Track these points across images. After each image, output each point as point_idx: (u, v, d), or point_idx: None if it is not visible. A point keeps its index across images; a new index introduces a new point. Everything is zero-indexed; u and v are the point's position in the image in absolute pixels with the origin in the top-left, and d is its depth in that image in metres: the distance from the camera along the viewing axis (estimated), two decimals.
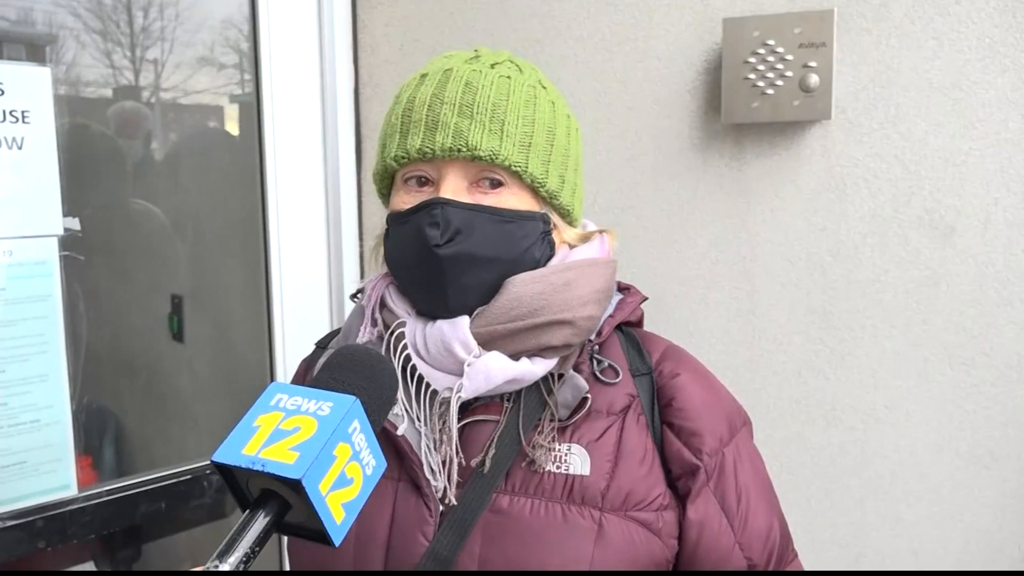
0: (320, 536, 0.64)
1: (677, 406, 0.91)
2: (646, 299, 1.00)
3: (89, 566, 1.67)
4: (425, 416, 0.89)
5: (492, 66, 0.93)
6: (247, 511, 0.62)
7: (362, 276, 1.71)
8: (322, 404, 0.65)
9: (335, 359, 0.75)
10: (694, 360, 0.98)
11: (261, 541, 0.61)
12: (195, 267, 1.81)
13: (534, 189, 0.91)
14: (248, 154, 1.64)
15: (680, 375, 0.93)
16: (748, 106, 1.31)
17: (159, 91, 1.69)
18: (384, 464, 0.69)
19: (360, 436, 0.66)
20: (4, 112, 1.24)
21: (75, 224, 1.36)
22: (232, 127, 1.79)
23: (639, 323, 1.02)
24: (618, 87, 1.46)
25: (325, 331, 1.70)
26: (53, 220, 1.30)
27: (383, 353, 0.91)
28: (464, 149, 0.86)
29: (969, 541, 1.30)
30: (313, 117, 1.63)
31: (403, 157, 0.90)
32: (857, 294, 1.33)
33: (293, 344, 1.65)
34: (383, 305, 0.96)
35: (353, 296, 1.05)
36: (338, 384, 0.71)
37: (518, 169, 0.88)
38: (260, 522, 0.61)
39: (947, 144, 1.26)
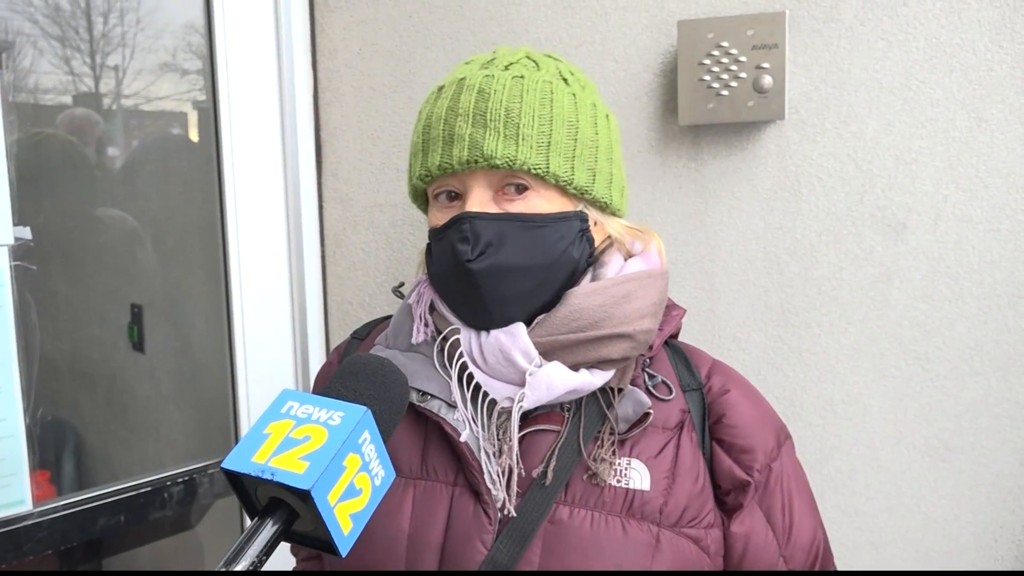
0: (327, 546, 0.64)
1: (728, 423, 0.92)
2: (685, 311, 1.01)
3: None
4: (483, 424, 0.88)
5: (506, 67, 0.92)
6: (255, 519, 0.62)
7: (324, 284, 1.70)
8: (333, 413, 0.65)
9: (347, 368, 0.75)
10: (740, 375, 0.99)
11: (268, 549, 0.61)
12: (155, 276, 1.78)
13: (562, 188, 0.90)
14: (207, 160, 1.62)
15: (730, 391, 0.94)
16: (704, 107, 1.33)
17: (120, 97, 1.67)
18: (392, 475, 0.69)
19: (370, 447, 0.66)
20: None
21: (26, 233, 1.33)
22: (192, 133, 1.77)
23: (677, 333, 1.02)
24: None
25: (286, 338, 1.70)
26: (3, 230, 1.27)
27: (436, 359, 0.92)
28: (481, 159, 0.86)
29: (927, 532, 1.33)
30: (272, 122, 1.62)
31: (426, 175, 0.91)
32: (814, 291, 1.35)
33: (254, 351, 1.63)
34: (432, 308, 0.96)
35: (395, 290, 1.05)
36: (349, 393, 0.71)
37: (539, 171, 0.87)
38: (268, 530, 0.61)
39: (898, 143, 1.29)
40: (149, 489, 1.49)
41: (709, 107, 1.33)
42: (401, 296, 1.05)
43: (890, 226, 1.30)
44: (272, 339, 1.66)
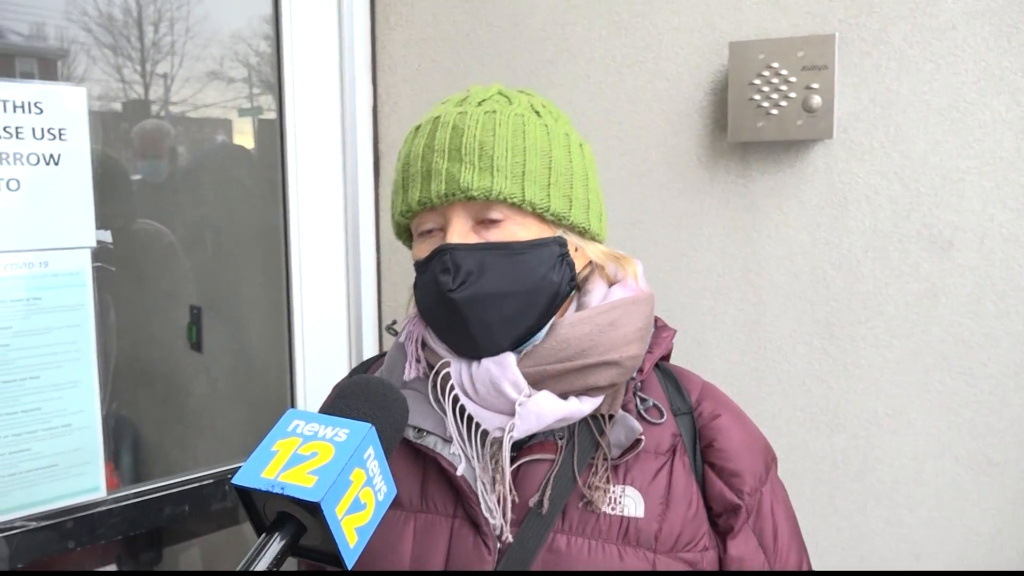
0: (334, 559, 0.65)
1: (719, 447, 0.94)
2: (675, 332, 1.02)
3: (113, 567, 1.72)
4: (477, 455, 0.90)
5: (479, 103, 0.94)
6: (263, 535, 0.64)
7: (379, 289, 1.76)
8: (339, 430, 0.67)
9: (349, 388, 0.78)
10: (729, 399, 1.01)
11: (277, 563, 0.62)
12: (214, 278, 1.86)
13: (539, 215, 0.91)
14: (270, 169, 1.70)
15: (721, 416, 0.96)
16: (753, 125, 1.37)
17: (170, 104, 1.72)
18: (394, 491, 0.71)
19: (374, 462, 0.68)
20: (43, 130, 1.30)
21: (107, 236, 1.42)
22: (247, 140, 1.84)
23: (668, 355, 1.04)
24: (628, 106, 1.51)
25: (342, 340, 1.76)
26: (86, 232, 1.35)
27: (430, 394, 0.94)
28: (458, 192, 0.88)
29: (969, 544, 1.35)
30: (333, 134, 1.69)
31: (407, 211, 0.93)
32: (859, 306, 1.38)
33: (312, 353, 1.70)
34: (424, 344, 0.98)
35: (388, 328, 1.08)
36: (352, 412, 0.73)
37: (515, 200, 0.89)
38: (276, 545, 0.63)
39: (945, 162, 1.32)
40: (212, 481, 1.56)
41: (758, 125, 1.37)
42: (395, 334, 1.06)
43: (936, 243, 1.33)
44: (329, 342, 1.73)
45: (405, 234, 1.01)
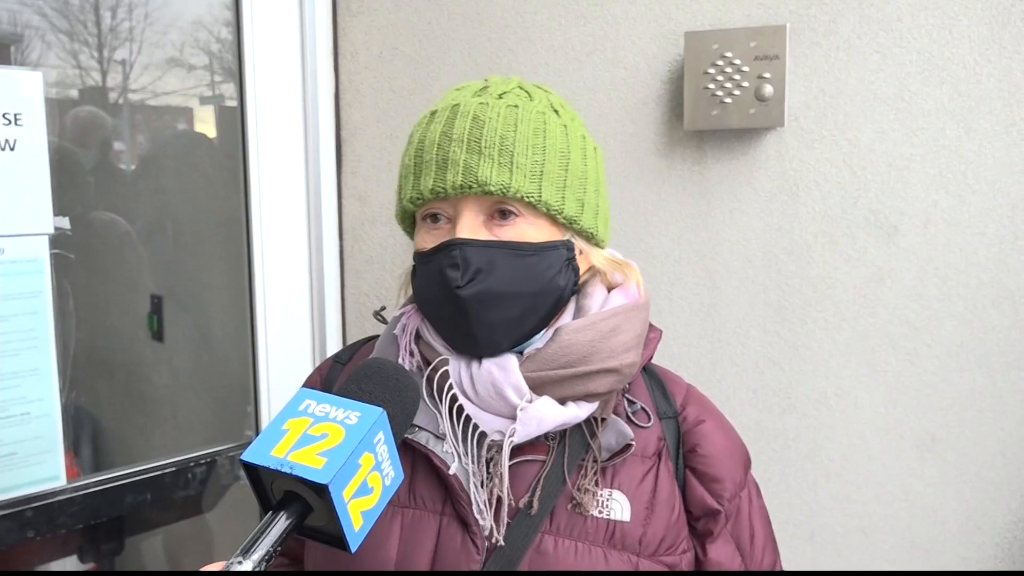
0: (338, 541, 0.65)
1: (702, 452, 0.95)
2: (662, 333, 1.03)
3: (73, 559, 1.71)
4: (472, 455, 0.89)
5: (500, 96, 0.92)
6: (269, 512, 0.64)
7: (342, 277, 1.77)
8: (350, 413, 0.67)
9: (363, 370, 0.77)
10: (712, 404, 1.03)
11: (282, 541, 0.63)
12: (174, 267, 1.84)
13: (552, 216, 0.90)
14: (231, 156, 1.69)
15: (705, 422, 0.97)
16: (708, 114, 1.40)
17: (129, 92, 1.69)
18: (401, 476, 0.71)
19: (383, 447, 0.68)
20: None
21: (65, 223, 1.40)
22: (209, 128, 1.83)
23: (652, 355, 1.04)
24: (588, 95, 1.54)
25: (305, 329, 1.77)
26: (44, 219, 1.34)
27: (425, 390, 0.91)
28: (475, 185, 0.86)
29: (914, 519, 1.40)
30: (295, 121, 1.69)
31: (418, 198, 0.91)
32: (809, 290, 1.42)
33: (275, 342, 1.70)
34: (418, 337, 0.97)
35: (376, 314, 1.06)
36: (365, 395, 0.73)
37: (531, 199, 0.88)
38: (282, 523, 0.63)
39: (891, 150, 1.36)
40: (174, 469, 1.56)
41: (713, 114, 1.40)
42: (383, 321, 1.04)
43: (882, 229, 1.38)
44: (292, 330, 1.73)
45: (408, 220, 0.98)
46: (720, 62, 1.38)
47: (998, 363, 1.34)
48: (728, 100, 1.39)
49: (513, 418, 0.88)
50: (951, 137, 1.33)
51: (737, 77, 1.38)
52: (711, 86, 1.39)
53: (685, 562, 0.93)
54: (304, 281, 1.74)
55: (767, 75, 1.36)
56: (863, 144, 1.37)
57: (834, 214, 1.40)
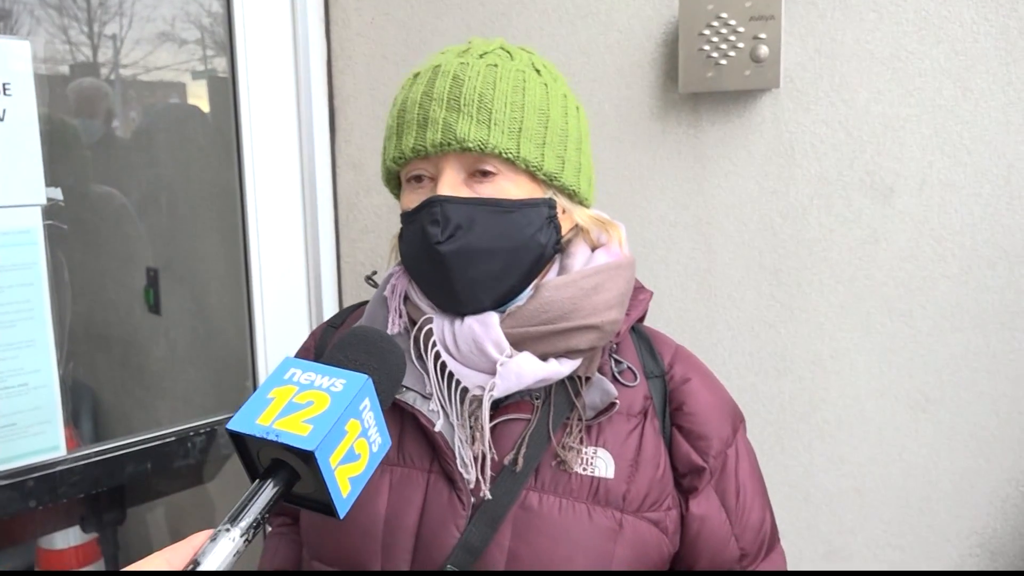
0: (326, 508, 0.66)
1: (688, 411, 0.96)
2: (652, 294, 1.04)
3: (76, 529, 1.73)
4: (456, 412, 0.91)
5: (481, 56, 0.93)
6: (256, 480, 0.64)
7: (337, 246, 1.77)
8: (335, 380, 0.67)
9: (348, 339, 0.77)
10: (700, 362, 1.03)
11: (270, 508, 0.63)
12: (170, 240, 1.84)
13: (532, 174, 0.92)
14: (224, 128, 1.68)
15: (691, 380, 0.98)
16: (703, 76, 1.39)
17: (120, 67, 1.68)
18: (389, 443, 0.71)
19: (369, 414, 0.68)
20: None
21: (57, 194, 1.40)
22: (202, 102, 1.82)
23: (643, 317, 1.05)
24: (581, 58, 1.53)
25: (302, 299, 1.77)
26: (36, 190, 1.34)
27: (412, 349, 0.94)
28: (454, 142, 0.88)
29: (908, 478, 1.41)
30: (288, 90, 1.68)
31: (400, 157, 0.93)
32: (805, 252, 1.42)
33: (272, 312, 1.71)
34: (406, 298, 0.98)
35: (368, 279, 1.07)
36: (350, 363, 0.73)
37: (510, 156, 0.89)
38: (269, 490, 0.63)
39: (887, 111, 1.35)
40: (174, 439, 1.57)
41: (708, 76, 1.39)
42: (374, 284, 1.06)
43: (878, 190, 1.37)
44: (288, 299, 1.73)
45: (394, 181, 1.00)
46: (715, 23, 1.37)
47: (992, 323, 1.34)
48: (723, 62, 1.38)
49: (494, 373, 0.89)
50: (947, 97, 1.32)
51: (732, 38, 1.37)
52: (706, 47, 1.38)
53: (670, 519, 0.94)
54: (300, 250, 1.74)
55: (762, 36, 1.35)
56: (859, 105, 1.36)
57: (830, 176, 1.39)
